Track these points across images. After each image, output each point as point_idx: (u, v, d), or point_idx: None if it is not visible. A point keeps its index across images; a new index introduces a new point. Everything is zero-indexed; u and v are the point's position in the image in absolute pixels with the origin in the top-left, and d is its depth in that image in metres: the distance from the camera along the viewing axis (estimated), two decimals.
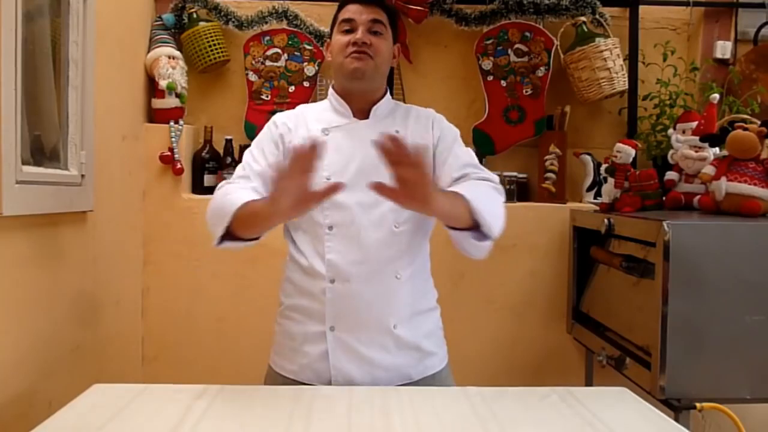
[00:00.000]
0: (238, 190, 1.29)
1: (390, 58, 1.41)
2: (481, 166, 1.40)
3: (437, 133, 1.40)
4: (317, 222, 1.34)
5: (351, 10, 1.36)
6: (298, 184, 1.09)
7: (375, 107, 1.40)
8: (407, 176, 1.06)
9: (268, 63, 2.34)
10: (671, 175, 1.97)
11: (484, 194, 1.27)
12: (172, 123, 2.22)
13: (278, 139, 1.39)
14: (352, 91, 1.40)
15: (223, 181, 1.38)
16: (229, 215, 1.22)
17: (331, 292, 1.32)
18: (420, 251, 1.39)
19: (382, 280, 1.32)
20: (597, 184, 2.33)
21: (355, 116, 1.40)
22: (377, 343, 1.33)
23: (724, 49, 2.41)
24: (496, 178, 1.37)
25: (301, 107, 1.47)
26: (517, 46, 2.36)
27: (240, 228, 1.23)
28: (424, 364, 1.38)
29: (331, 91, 1.44)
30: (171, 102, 2.22)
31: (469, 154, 1.41)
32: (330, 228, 1.32)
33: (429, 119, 1.43)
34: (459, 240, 1.26)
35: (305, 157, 1.08)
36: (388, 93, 1.44)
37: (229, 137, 2.32)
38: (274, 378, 1.40)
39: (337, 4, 1.43)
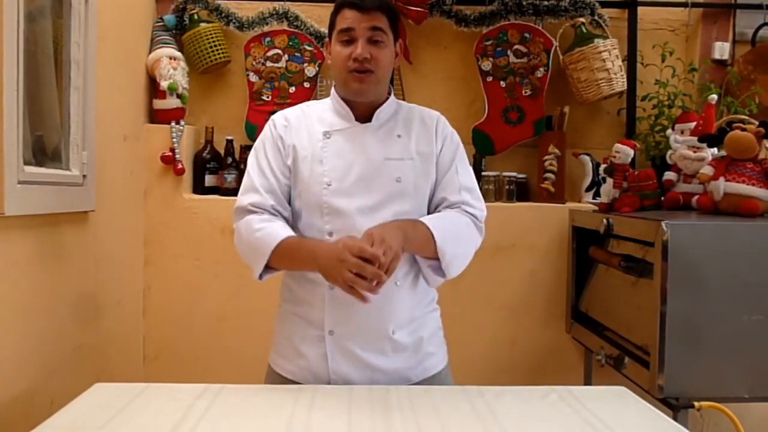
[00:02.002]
0: (265, 222, 1.32)
1: (392, 63, 1.37)
2: (477, 191, 1.42)
3: (440, 143, 1.40)
4: (318, 228, 1.33)
5: (349, 18, 1.31)
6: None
7: (378, 111, 1.38)
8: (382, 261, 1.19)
9: (268, 64, 2.35)
10: (670, 175, 1.97)
11: (456, 234, 1.34)
12: (173, 123, 2.22)
13: (279, 141, 1.37)
14: (354, 100, 1.38)
15: (240, 208, 1.36)
16: (266, 255, 1.29)
17: (330, 298, 1.32)
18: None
19: (381, 288, 1.30)
20: (596, 185, 2.33)
21: (357, 119, 1.38)
22: (376, 348, 1.33)
23: (722, 49, 2.41)
24: (483, 213, 1.41)
25: (302, 105, 1.45)
26: (516, 47, 2.37)
27: (277, 263, 1.31)
28: (423, 366, 1.38)
29: (333, 92, 1.42)
30: (172, 102, 2.22)
31: (468, 175, 1.43)
32: (330, 234, 1.31)
33: (433, 125, 1.41)
34: (419, 263, 1.35)
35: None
36: (392, 94, 1.42)
37: (229, 138, 2.33)
38: (274, 378, 1.40)
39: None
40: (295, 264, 1.32)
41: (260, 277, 1.34)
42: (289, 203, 1.39)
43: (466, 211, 1.38)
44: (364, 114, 1.38)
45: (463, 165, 1.43)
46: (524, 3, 2.34)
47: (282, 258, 1.30)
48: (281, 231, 1.30)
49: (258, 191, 1.35)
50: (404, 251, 1.27)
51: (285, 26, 2.36)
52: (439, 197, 1.39)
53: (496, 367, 2.28)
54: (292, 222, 1.39)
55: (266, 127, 1.41)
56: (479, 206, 1.41)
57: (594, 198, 2.33)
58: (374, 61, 1.31)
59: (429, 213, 1.40)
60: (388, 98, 1.40)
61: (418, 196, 1.36)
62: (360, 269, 1.17)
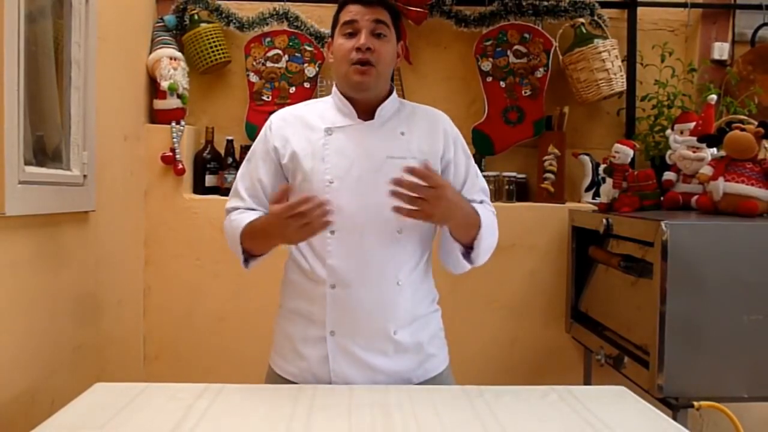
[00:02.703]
0: (239, 214, 1.37)
1: (393, 59, 1.38)
2: (487, 189, 1.46)
3: (451, 145, 1.40)
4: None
5: (353, 11, 1.32)
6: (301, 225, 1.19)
7: (380, 108, 1.37)
8: (427, 197, 1.18)
9: (268, 64, 2.35)
10: (669, 175, 1.98)
11: (492, 228, 1.37)
12: (173, 123, 2.23)
13: (271, 146, 1.37)
14: (355, 96, 1.38)
15: (226, 211, 1.42)
16: (238, 242, 1.33)
17: (332, 297, 1.31)
18: (422, 256, 1.38)
19: (383, 286, 1.31)
20: (595, 185, 2.34)
21: (359, 117, 1.37)
22: (377, 348, 1.33)
23: (721, 50, 2.42)
24: (495, 211, 1.45)
25: (303, 104, 1.46)
26: (516, 47, 2.37)
27: (252, 247, 1.33)
28: (425, 368, 1.38)
29: (334, 90, 1.41)
30: (172, 103, 2.23)
31: (480, 175, 1.46)
32: (332, 232, 1.30)
33: (438, 125, 1.41)
34: (448, 247, 1.35)
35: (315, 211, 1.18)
36: (394, 91, 1.42)
37: (230, 138, 2.33)
38: (274, 379, 1.39)
39: (337, 4, 1.40)
40: (261, 242, 1.33)
41: (246, 264, 1.36)
42: None
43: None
44: (366, 111, 1.37)
45: (474, 165, 1.45)
46: (524, 3, 2.35)
47: (250, 241, 1.32)
48: (248, 217, 1.33)
49: (241, 196, 1.39)
50: (450, 222, 1.28)
51: (285, 26, 2.36)
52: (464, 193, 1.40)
53: (495, 367, 2.29)
54: None
55: (263, 129, 1.42)
56: (491, 204, 1.45)
57: (594, 198, 2.33)
58: (376, 54, 1.31)
59: None
60: (389, 95, 1.40)
61: None
62: (299, 216, 1.18)
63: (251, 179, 1.39)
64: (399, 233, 1.32)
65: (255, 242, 1.33)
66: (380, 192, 1.30)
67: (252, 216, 1.34)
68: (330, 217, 1.20)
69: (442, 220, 1.27)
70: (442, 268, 1.42)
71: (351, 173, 1.32)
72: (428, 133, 1.39)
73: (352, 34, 1.32)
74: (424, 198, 1.18)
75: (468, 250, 1.34)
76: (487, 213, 1.38)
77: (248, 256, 1.35)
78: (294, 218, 1.18)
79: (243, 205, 1.38)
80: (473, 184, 1.41)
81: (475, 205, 1.36)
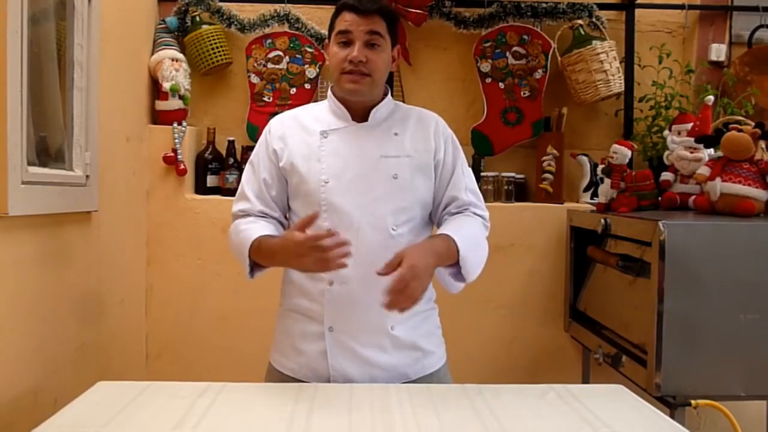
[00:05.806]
0: (248, 224, 1.36)
1: (388, 66, 1.39)
2: (479, 192, 1.46)
3: (442, 143, 1.41)
4: (316, 225, 1.32)
5: (347, 21, 1.32)
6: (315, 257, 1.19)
7: (374, 110, 1.39)
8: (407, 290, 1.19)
9: (269, 65, 2.37)
10: (667, 175, 1.99)
11: (476, 241, 1.36)
12: (175, 124, 2.24)
13: (271, 148, 1.40)
14: (350, 100, 1.40)
15: (233, 215, 1.42)
16: (246, 254, 1.32)
17: (330, 294, 1.33)
18: None
19: (380, 283, 1.30)
20: (594, 185, 2.35)
21: (353, 119, 1.39)
22: (375, 344, 1.34)
23: (718, 51, 2.43)
24: (487, 213, 1.45)
25: (299, 109, 1.48)
26: (515, 48, 2.38)
27: (261, 261, 1.33)
28: (422, 364, 1.39)
29: (329, 93, 1.43)
30: (174, 104, 2.24)
31: (471, 176, 1.46)
32: (329, 230, 1.32)
33: (431, 126, 1.42)
34: (438, 273, 1.35)
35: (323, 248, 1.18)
36: (389, 94, 1.44)
37: (231, 138, 2.34)
38: (274, 375, 1.41)
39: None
40: (268, 261, 1.33)
41: (251, 275, 1.36)
42: (289, 206, 1.42)
43: (474, 213, 1.42)
44: (360, 114, 1.40)
45: (466, 166, 1.46)
46: (523, 5, 2.36)
47: (258, 257, 1.32)
48: (257, 231, 1.33)
49: (248, 198, 1.40)
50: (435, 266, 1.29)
51: (286, 28, 2.37)
52: (449, 195, 1.41)
53: (494, 366, 2.30)
54: (291, 220, 1.42)
55: (263, 133, 1.44)
56: (483, 206, 1.45)
57: (592, 198, 2.34)
58: (370, 64, 1.33)
59: (438, 211, 1.43)
60: (384, 99, 1.42)
61: (415, 193, 1.37)
62: (321, 250, 1.18)
63: (257, 181, 1.40)
64: (394, 230, 1.33)
65: (265, 259, 1.33)
66: (375, 190, 1.33)
67: (261, 229, 1.34)
68: (347, 260, 1.20)
69: (426, 287, 1.26)
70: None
71: (346, 172, 1.34)
72: (422, 133, 1.41)
73: (346, 44, 1.34)
74: (408, 295, 1.20)
75: (457, 269, 1.34)
76: (468, 227, 1.37)
77: (253, 266, 1.35)
78: (316, 250, 1.18)
79: (250, 207, 1.39)
80: (459, 180, 1.41)
81: (451, 225, 1.36)
